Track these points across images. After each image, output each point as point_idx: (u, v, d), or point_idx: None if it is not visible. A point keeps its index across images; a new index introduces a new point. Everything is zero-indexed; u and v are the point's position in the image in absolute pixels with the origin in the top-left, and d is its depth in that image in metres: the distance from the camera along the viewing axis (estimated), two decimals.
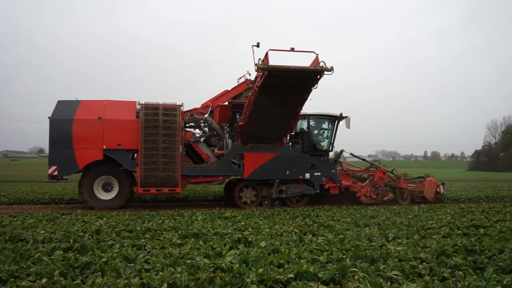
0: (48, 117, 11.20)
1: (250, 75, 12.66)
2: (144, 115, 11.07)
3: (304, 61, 10.36)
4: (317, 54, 10.26)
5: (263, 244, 5.50)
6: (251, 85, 12.03)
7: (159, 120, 11.11)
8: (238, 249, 5.31)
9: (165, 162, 11.09)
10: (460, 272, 4.18)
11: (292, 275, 3.98)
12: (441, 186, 14.44)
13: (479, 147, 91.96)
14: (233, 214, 9.10)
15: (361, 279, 3.78)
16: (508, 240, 6.04)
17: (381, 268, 4.25)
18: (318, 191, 12.64)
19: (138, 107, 11.52)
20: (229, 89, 12.68)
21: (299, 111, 11.59)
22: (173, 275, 3.83)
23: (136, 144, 11.12)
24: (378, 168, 13.94)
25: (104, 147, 11.06)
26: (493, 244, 5.64)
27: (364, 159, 16.27)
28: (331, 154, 13.91)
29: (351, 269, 4.17)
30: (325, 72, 10.00)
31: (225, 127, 12.25)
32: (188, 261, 4.40)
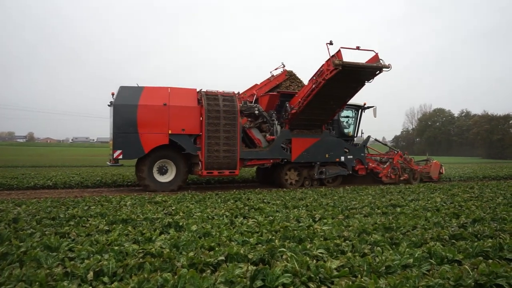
0: (111, 102, 11.66)
1: (284, 66, 14.35)
2: (207, 103, 11.81)
3: (356, 57, 11.42)
4: (377, 53, 11.52)
5: (194, 228, 5.49)
6: (288, 76, 14.02)
7: (220, 107, 11.92)
8: (169, 233, 5.27)
9: (226, 147, 11.97)
10: (379, 248, 4.52)
11: (222, 257, 4.03)
12: (443, 167, 16.52)
13: (398, 133, 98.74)
14: (163, 198, 8.96)
15: (288, 258, 3.93)
16: (420, 217, 6.62)
17: (308, 247, 4.45)
18: (350, 172, 14.18)
19: (199, 95, 12.17)
20: (271, 79, 14.01)
21: (347, 102, 13.22)
22: (100, 263, 3.70)
23: (197, 129, 11.91)
24: (396, 152, 15.95)
25: (170, 132, 11.60)
26: (408, 221, 6.15)
27: (386, 144, 18.38)
28: (356, 140, 15.65)
29: (279, 249, 4.32)
30: (384, 69, 11.38)
31: (273, 114, 13.26)
32: (116, 248, 4.27)
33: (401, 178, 15.27)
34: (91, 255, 4.09)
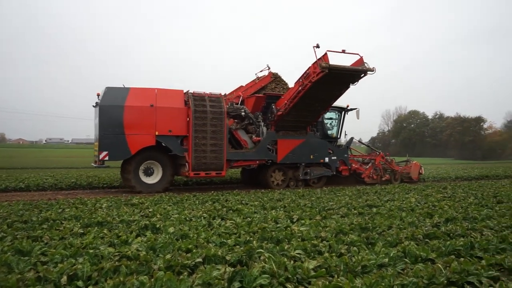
0: (96, 103, 11.48)
1: (269, 68, 14.44)
2: (194, 104, 11.75)
3: (341, 60, 11.65)
4: (361, 56, 11.73)
5: (171, 230, 5.44)
6: (273, 78, 14.11)
7: (207, 108, 11.88)
8: (145, 236, 5.20)
9: (213, 148, 11.96)
10: (355, 248, 4.58)
11: (200, 259, 4.01)
12: (422, 168, 16.84)
13: (374, 134, 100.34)
14: (140, 200, 8.84)
15: (266, 259, 3.94)
16: (396, 217, 6.75)
17: (285, 248, 4.48)
18: (334, 173, 14.41)
19: (186, 96, 12.12)
20: (257, 81, 14.12)
21: (332, 104, 13.47)
22: (74, 266, 3.63)
23: (184, 130, 11.85)
24: (378, 153, 16.20)
25: (157, 133, 11.52)
26: (383, 221, 6.27)
27: (368, 146, 18.68)
28: (340, 141, 15.92)
29: (257, 251, 4.33)
30: (368, 72, 11.64)
31: (259, 116, 13.37)
32: (91, 251, 4.19)
33: (383, 179, 15.56)
34: (65, 259, 4.00)
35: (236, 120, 13.14)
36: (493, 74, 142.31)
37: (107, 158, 11.18)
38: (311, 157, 13.83)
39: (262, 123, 13.37)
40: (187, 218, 6.60)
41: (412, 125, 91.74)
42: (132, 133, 11.29)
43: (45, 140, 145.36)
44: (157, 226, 5.80)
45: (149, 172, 11.91)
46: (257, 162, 13.13)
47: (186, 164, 11.83)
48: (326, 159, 14.15)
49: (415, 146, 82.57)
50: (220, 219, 6.61)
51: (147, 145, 11.48)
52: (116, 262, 3.82)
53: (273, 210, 7.66)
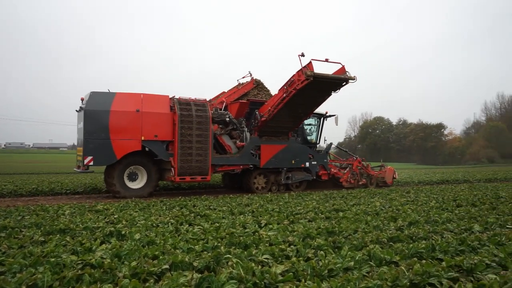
0: (81, 107, 11.47)
1: (251, 74, 14.97)
2: (179, 109, 11.82)
3: (323, 68, 12.04)
4: (343, 65, 12.20)
5: (137, 236, 5.34)
6: (255, 84, 14.66)
7: (192, 114, 11.96)
8: (110, 243, 5.07)
9: (198, 153, 12.05)
10: (322, 252, 4.64)
11: (167, 266, 3.95)
12: (396, 173, 17.35)
13: (341, 140, 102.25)
14: (105, 206, 8.62)
15: (234, 264, 3.93)
16: (361, 221, 6.89)
17: (253, 253, 4.48)
18: (314, 177, 14.75)
19: (171, 102, 12.20)
20: (239, 87, 14.55)
21: (314, 110, 13.88)
22: (34, 276, 3.49)
23: (170, 135, 11.90)
24: (355, 158, 16.60)
25: (143, 138, 11.52)
26: (349, 225, 6.38)
27: (346, 151, 19.03)
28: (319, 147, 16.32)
29: (225, 256, 4.31)
30: (350, 81, 12.14)
31: (243, 121, 13.59)
32: (52, 260, 4.04)
33: (360, 183, 15.96)
34: (24, 268, 3.84)
35: (220, 126, 13.32)
36: (453, 83, 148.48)
37: (92, 163, 11.11)
38: (293, 162, 14.16)
39: (246, 129, 13.62)
40: (154, 224, 6.49)
41: (377, 131, 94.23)
42: (117, 138, 11.27)
43: (4, 145, 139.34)
44: (123, 232, 5.67)
45: (133, 177, 11.90)
46: (241, 167, 13.35)
47: (172, 169, 11.90)
48: (307, 164, 14.52)
49: (380, 151, 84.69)
50: (187, 225, 6.54)
51: (133, 150, 11.49)
52: (79, 271, 3.70)
53: (241, 215, 7.65)
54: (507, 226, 6.66)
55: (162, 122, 11.83)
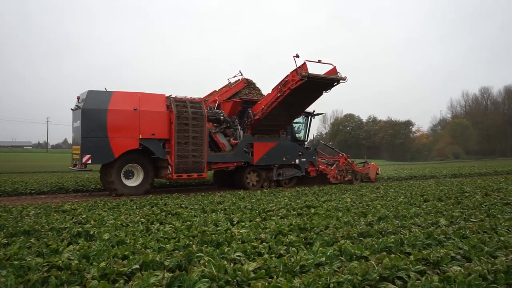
0: (77, 106, 11.57)
1: (242, 74, 15.32)
2: (176, 108, 12.02)
3: (314, 69, 12.41)
4: (335, 66, 12.68)
5: (106, 236, 5.21)
6: (246, 84, 15.01)
7: (188, 112, 12.16)
8: (78, 244, 4.94)
9: (194, 150, 12.27)
10: (294, 248, 4.67)
11: (137, 266, 3.88)
12: (379, 169, 18.24)
13: (313, 137, 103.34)
14: (72, 206, 8.38)
15: (206, 263, 3.89)
16: (333, 217, 6.99)
17: (225, 250, 4.46)
18: (303, 174, 15.17)
19: (168, 100, 12.39)
20: (231, 86, 14.90)
21: (305, 109, 14.48)
22: None
23: (166, 134, 12.11)
24: (342, 155, 17.04)
25: (140, 137, 11.65)
26: (321, 221, 6.46)
27: (333, 148, 19.50)
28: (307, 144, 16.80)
29: (197, 255, 4.27)
30: (341, 81, 12.67)
31: (236, 120, 13.88)
32: (16, 262, 3.88)
33: (346, 179, 16.50)
34: None
35: (215, 124, 13.64)
36: (421, 81, 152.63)
37: (90, 161, 11.25)
38: (284, 159, 14.58)
39: (239, 127, 13.93)
40: (124, 224, 6.36)
41: (348, 128, 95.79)
42: (116, 137, 11.41)
43: None
44: (91, 233, 5.52)
45: (129, 175, 12.03)
46: (235, 164, 13.64)
47: (169, 166, 12.12)
48: (297, 161, 14.95)
49: (351, 148, 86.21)
50: (158, 224, 6.45)
51: (131, 148, 11.63)
52: (45, 273, 3.58)
53: (213, 213, 7.61)
54: (471, 219, 6.91)
55: (159, 120, 12.02)
